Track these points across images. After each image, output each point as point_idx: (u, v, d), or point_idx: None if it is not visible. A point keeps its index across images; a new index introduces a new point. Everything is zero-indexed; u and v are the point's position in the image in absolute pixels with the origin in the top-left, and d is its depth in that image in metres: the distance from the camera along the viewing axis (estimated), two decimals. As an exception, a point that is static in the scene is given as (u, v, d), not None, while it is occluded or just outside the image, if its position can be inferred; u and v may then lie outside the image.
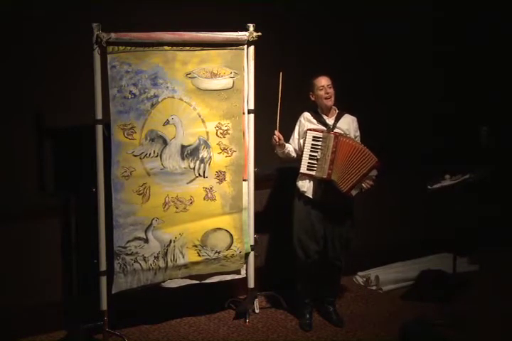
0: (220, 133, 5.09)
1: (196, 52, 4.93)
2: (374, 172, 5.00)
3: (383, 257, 6.20)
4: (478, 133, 6.68)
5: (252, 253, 5.35)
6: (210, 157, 5.07)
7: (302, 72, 5.33)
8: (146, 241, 4.93)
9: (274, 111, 4.96)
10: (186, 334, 5.15)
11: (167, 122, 4.90)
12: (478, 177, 5.21)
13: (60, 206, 5.05)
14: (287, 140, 5.14)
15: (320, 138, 5.02)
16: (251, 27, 5.04)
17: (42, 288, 5.02)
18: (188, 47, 4.90)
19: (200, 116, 5.01)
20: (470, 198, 5.66)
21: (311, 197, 5.08)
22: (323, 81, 5.05)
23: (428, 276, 6.00)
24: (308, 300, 5.30)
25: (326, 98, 5.06)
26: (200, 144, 5.04)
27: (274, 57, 5.43)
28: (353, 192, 5.01)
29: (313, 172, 5.03)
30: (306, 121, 5.13)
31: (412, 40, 6.27)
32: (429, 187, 5.15)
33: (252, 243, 5.34)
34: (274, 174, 5.74)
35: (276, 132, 4.99)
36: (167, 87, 4.86)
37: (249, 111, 5.18)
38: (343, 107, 5.18)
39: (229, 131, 5.11)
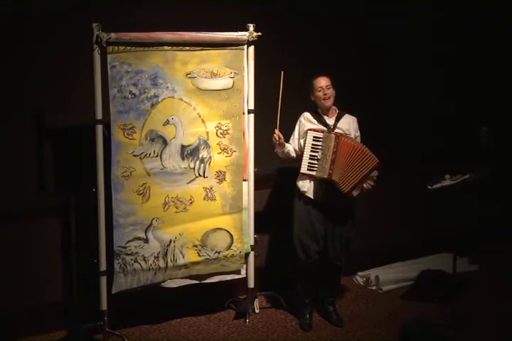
0: (220, 133, 5.09)
1: (196, 52, 4.93)
2: (375, 173, 5.00)
3: (383, 257, 6.20)
4: (478, 133, 6.68)
5: (252, 253, 5.35)
6: (210, 157, 5.07)
7: (302, 72, 5.32)
8: (146, 241, 4.93)
9: (274, 111, 4.96)
10: (186, 334, 5.15)
11: (167, 122, 4.90)
12: (478, 177, 5.21)
13: (60, 206, 5.05)
14: (287, 140, 5.14)
15: (320, 138, 5.02)
16: (251, 27, 5.04)
17: (42, 288, 5.02)
18: (188, 47, 4.90)
19: (200, 116, 5.01)
20: (470, 198, 5.66)
21: (311, 197, 5.07)
22: (322, 82, 5.05)
23: (428, 276, 6.00)
24: (308, 300, 5.30)
25: (324, 99, 5.06)
26: (200, 144, 5.04)
27: (274, 57, 5.43)
28: (354, 193, 5.01)
29: (314, 173, 5.03)
30: (307, 121, 5.13)
31: (412, 40, 6.27)
32: (429, 187, 5.15)
33: (252, 243, 5.34)
34: (274, 174, 5.74)
35: (277, 131, 4.99)
36: (167, 87, 4.87)
37: (249, 111, 5.18)
38: (343, 107, 5.18)
39: (229, 131, 5.11)
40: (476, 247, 6.31)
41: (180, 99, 4.93)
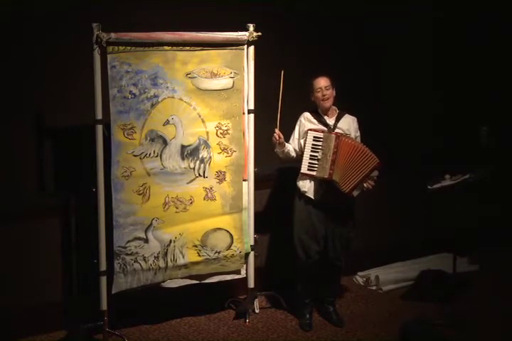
0: (220, 133, 5.09)
1: (196, 52, 4.93)
2: (375, 173, 5.00)
3: (383, 257, 6.20)
4: (478, 133, 6.68)
5: (252, 253, 5.35)
6: (210, 157, 5.07)
7: (302, 72, 5.32)
8: (146, 241, 4.93)
9: (274, 111, 4.96)
10: (186, 334, 5.15)
11: (167, 122, 4.90)
12: (478, 177, 5.21)
13: (60, 206, 5.05)
14: (287, 140, 5.14)
15: (321, 138, 5.02)
16: (251, 27, 5.04)
17: (42, 288, 5.02)
18: (188, 47, 4.90)
19: (200, 116, 5.01)
20: (470, 198, 5.66)
21: (311, 197, 5.07)
22: (321, 83, 5.04)
23: (428, 276, 6.00)
24: (309, 300, 5.30)
25: (323, 100, 5.06)
26: (200, 144, 5.04)
27: (274, 57, 5.43)
28: (355, 193, 5.01)
29: (314, 173, 5.03)
30: (307, 121, 5.13)
31: (412, 40, 6.27)
32: (429, 187, 5.15)
33: (252, 243, 5.34)
34: (274, 174, 5.74)
35: (277, 130, 4.99)
36: (167, 87, 4.86)
37: (249, 111, 5.18)
38: (343, 107, 5.18)
39: (229, 131, 5.11)
40: (476, 247, 6.31)
41: (180, 99, 4.93)
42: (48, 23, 4.83)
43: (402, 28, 6.15)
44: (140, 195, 4.87)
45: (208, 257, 5.14)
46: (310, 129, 5.06)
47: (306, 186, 5.08)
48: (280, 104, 4.93)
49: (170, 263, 5.02)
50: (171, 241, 5.01)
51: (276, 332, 5.21)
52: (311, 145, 5.03)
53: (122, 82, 4.72)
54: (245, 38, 5.03)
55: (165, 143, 4.91)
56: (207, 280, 5.24)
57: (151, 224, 4.93)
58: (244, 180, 5.22)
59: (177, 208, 4.99)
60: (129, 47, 4.70)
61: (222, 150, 5.10)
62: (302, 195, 5.10)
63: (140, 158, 4.84)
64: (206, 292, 5.38)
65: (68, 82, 4.92)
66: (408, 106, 6.29)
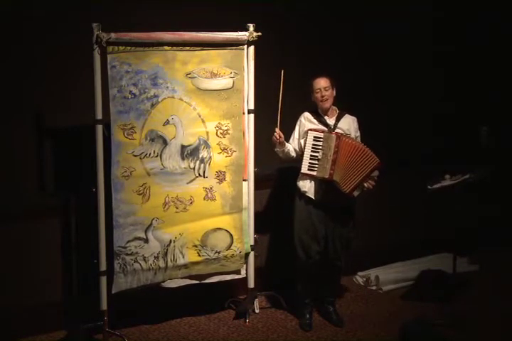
0: (220, 133, 5.09)
1: (196, 52, 4.93)
2: (376, 173, 5.00)
3: (383, 257, 6.20)
4: (478, 133, 6.68)
5: (252, 253, 5.35)
6: (210, 157, 5.07)
7: (302, 72, 5.32)
8: (146, 241, 4.93)
9: (274, 111, 4.96)
10: (186, 334, 5.15)
11: (167, 122, 4.90)
12: (478, 177, 5.21)
13: (60, 206, 5.05)
14: (287, 139, 5.14)
15: (321, 138, 5.02)
16: (251, 27, 5.04)
17: (42, 288, 5.02)
18: (188, 47, 4.90)
19: (200, 116, 5.01)
20: (470, 198, 5.66)
21: (312, 197, 5.07)
22: (320, 83, 5.04)
23: (428, 276, 6.00)
24: (309, 300, 5.30)
25: (321, 101, 5.06)
26: (200, 144, 5.04)
27: (274, 57, 5.43)
28: (355, 193, 5.01)
29: (315, 173, 5.02)
30: (307, 121, 5.13)
31: (412, 40, 6.27)
32: (429, 187, 5.15)
33: (252, 243, 5.34)
34: (274, 174, 5.74)
35: (277, 130, 4.99)
36: (167, 87, 4.86)
37: (249, 111, 5.18)
38: (344, 107, 5.18)
39: (229, 131, 5.11)
40: (476, 247, 6.31)
41: (180, 99, 4.93)
42: (48, 23, 4.83)
43: (402, 28, 6.14)
44: (140, 195, 4.87)
45: (208, 257, 5.14)
46: (310, 129, 5.06)
47: (307, 186, 5.08)
48: (280, 103, 4.93)
49: (170, 263, 5.02)
50: (171, 241, 5.01)
51: (276, 332, 5.21)
52: (311, 146, 5.03)
53: (122, 82, 4.72)
54: (245, 38, 5.03)
55: (165, 143, 4.91)
56: (207, 280, 5.24)
57: (151, 224, 4.93)
58: (244, 180, 5.22)
59: (177, 208, 4.99)
60: (129, 47, 4.70)
61: (222, 150, 5.10)
62: (302, 195, 5.10)
63: (140, 158, 4.84)
64: (206, 292, 5.38)
65: (68, 82, 4.92)
66: (408, 106, 6.29)
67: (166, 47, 4.83)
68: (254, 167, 5.25)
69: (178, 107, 4.92)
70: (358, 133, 5.20)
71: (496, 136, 6.67)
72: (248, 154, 5.21)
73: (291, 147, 5.15)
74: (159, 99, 4.85)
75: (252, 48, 5.09)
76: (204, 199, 5.07)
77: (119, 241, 4.84)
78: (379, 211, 6.13)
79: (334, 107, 5.16)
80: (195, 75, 4.95)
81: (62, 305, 5.10)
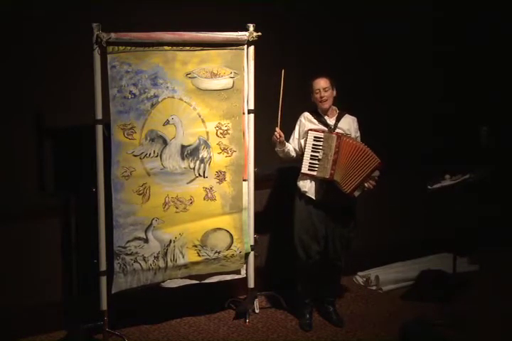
0: (220, 133, 5.09)
1: (196, 52, 4.93)
2: (376, 173, 5.00)
3: (383, 257, 6.20)
4: (478, 133, 6.68)
5: (252, 253, 5.35)
6: (210, 157, 5.07)
7: (302, 72, 5.32)
8: (146, 241, 4.93)
9: (274, 111, 4.96)
10: (186, 334, 5.15)
11: (167, 122, 4.90)
12: (478, 177, 5.21)
13: (60, 206, 5.05)
14: (287, 139, 5.13)
15: (321, 138, 5.02)
16: (251, 27, 5.04)
17: (42, 288, 5.02)
18: (188, 47, 4.90)
19: (200, 116, 5.01)
20: (470, 198, 5.66)
21: (312, 197, 5.07)
22: (319, 84, 5.03)
23: (428, 276, 6.00)
24: (309, 300, 5.30)
25: (320, 101, 5.06)
26: (200, 144, 5.04)
27: (274, 57, 5.43)
28: (356, 193, 5.01)
29: (315, 173, 5.02)
30: (307, 121, 5.13)
31: (412, 40, 6.27)
32: (429, 187, 5.15)
33: (252, 243, 5.34)
34: (274, 174, 5.74)
35: (277, 129, 4.98)
36: (167, 87, 4.86)
37: (249, 111, 5.18)
38: (343, 107, 5.18)
39: (229, 131, 5.11)
40: (476, 247, 6.31)
41: (180, 99, 4.93)
42: (48, 23, 4.83)
43: (402, 28, 6.14)
44: (140, 195, 4.87)
45: (208, 257, 5.14)
46: (310, 129, 5.06)
47: (307, 186, 5.08)
48: (281, 103, 4.93)
49: (170, 263, 5.02)
50: (170, 241, 5.01)
51: (276, 332, 5.21)
52: (311, 146, 5.03)
53: (122, 82, 4.72)
54: (245, 38, 5.03)
55: (165, 143, 4.91)
56: (207, 280, 5.24)
57: (151, 224, 4.93)
58: (244, 180, 5.22)
59: (177, 208, 4.99)
60: (129, 47, 4.70)
61: (222, 150, 5.10)
62: (303, 195, 5.10)
63: (140, 158, 4.84)
64: (206, 292, 5.38)
65: (68, 82, 4.92)
66: (408, 106, 6.29)
67: (166, 47, 4.83)
68: (254, 167, 5.25)
69: (178, 107, 4.92)
70: (358, 133, 5.20)
71: (496, 136, 6.67)
72: (248, 154, 5.21)
73: (291, 147, 5.15)
74: (159, 99, 4.85)
75: (252, 48, 5.09)
76: (204, 199, 5.07)
77: (119, 241, 4.84)
78: (379, 211, 6.13)
79: (334, 107, 5.16)
80: (195, 75, 4.95)
81: (62, 305, 5.10)
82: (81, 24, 4.66)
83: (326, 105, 5.07)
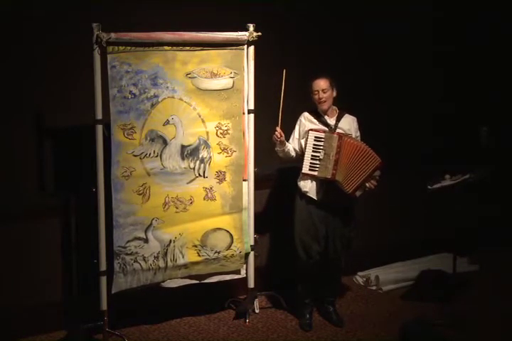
0: (220, 133, 5.09)
1: (196, 52, 4.93)
2: (377, 173, 5.01)
3: (383, 257, 6.20)
4: (478, 133, 6.68)
5: (252, 253, 5.35)
6: (210, 157, 5.07)
7: (302, 72, 5.32)
8: (146, 241, 4.93)
9: (274, 111, 4.96)
10: (186, 334, 5.15)
11: (167, 122, 4.90)
12: (478, 177, 5.21)
13: (60, 206, 5.05)
14: (287, 139, 5.13)
15: (322, 138, 5.01)
16: (251, 27, 5.04)
17: (42, 288, 5.02)
18: (188, 47, 4.90)
19: (200, 116, 5.01)
20: (470, 198, 5.66)
21: (313, 197, 5.07)
22: (318, 85, 5.03)
23: (428, 276, 6.00)
24: (309, 300, 5.30)
25: (319, 102, 5.06)
26: (200, 144, 5.04)
27: (274, 57, 5.43)
28: (357, 193, 5.01)
29: (316, 173, 5.02)
30: (307, 121, 5.12)
31: (412, 40, 6.27)
32: (429, 187, 5.15)
33: (252, 243, 5.34)
34: (274, 174, 5.74)
35: (278, 128, 4.98)
36: (167, 87, 4.86)
37: (249, 111, 5.18)
38: (343, 107, 5.18)
39: (229, 131, 5.11)
40: (476, 247, 6.31)
41: (180, 99, 4.93)
42: (48, 23, 4.83)
43: (402, 28, 6.15)
44: (140, 195, 4.87)
45: (208, 257, 5.14)
46: (311, 129, 5.06)
47: (308, 186, 5.08)
48: (282, 102, 4.93)
49: (170, 263, 5.02)
50: (170, 241, 5.01)
51: (276, 332, 5.21)
52: (312, 146, 5.03)
53: (122, 82, 4.72)
54: (245, 38, 5.03)
55: (165, 143, 4.91)
56: (207, 280, 5.24)
57: (151, 224, 4.93)
58: (244, 180, 5.22)
59: (177, 208, 4.99)
60: (129, 47, 4.70)
61: (222, 150, 5.10)
62: (303, 195, 5.10)
63: (140, 158, 4.84)
64: (206, 292, 5.38)
65: (68, 82, 4.92)
66: (408, 106, 6.29)
67: (166, 47, 4.83)
68: (254, 167, 5.25)
69: (178, 107, 4.92)
70: (358, 133, 5.20)
71: (496, 136, 6.67)
72: (248, 154, 5.21)
73: (291, 147, 5.15)
74: (159, 99, 4.85)
75: (252, 48, 5.09)
76: (204, 199, 5.07)
77: (119, 241, 4.84)
78: (379, 211, 6.13)
79: (334, 107, 5.16)
80: (195, 75, 4.95)
81: (62, 305, 5.10)
82: (81, 24, 4.66)
83: (324, 106, 5.07)
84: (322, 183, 5.04)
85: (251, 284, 5.37)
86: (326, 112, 5.12)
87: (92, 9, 4.87)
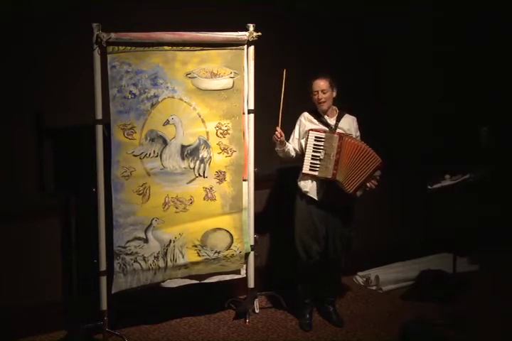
0: (220, 133, 5.09)
1: (196, 52, 4.93)
2: (378, 173, 5.01)
3: (383, 257, 6.20)
4: (478, 133, 6.68)
5: (252, 253, 5.35)
6: (210, 157, 5.07)
7: (302, 72, 5.32)
8: (146, 241, 4.93)
9: (274, 111, 4.96)
10: (186, 334, 5.15)
11: (167, 122, 4.90)
12: (478, 177, 5.21)
13: (60, 206, 5.05)
14: (287, 139, 5.13)
15: (322, 138, 5.01)
16: (251, 27, 5.04)
17: (42, 288, 5.02)
18: (188, 47, 4.90)
19: (200, 116, 5.01)
20: (470, 198, 5.66)
21: (313, 197, 5.07)
22: (318, 85, 5.02)
23: (428, 276, 6.00)
24: (309, 300, 5.30)
25: (319, 103, 5.06)
26: (200, 144, 5.04)
27: (274, 57, 5.43)
28: (358, 193, 5.01)
29: (316, 173, 5.02)
30: (307, 121, 5.12)
31: (412, 40, 6.27)
32: (429, 187, 5.15)
33: (252, 243, 5.34)
34: (274, 174, 5.74)
35: (278, 128, 4.98)
36: (167, 87, 4.86)
37: (249, 111, 5.18)
38: (343, 107, 5.18)
39: (229, 131, 5.11)
40: (476, 247, 6.31)
41: (180, 99, 4.93)
42: (48, 23, 4.83)
43: (402, 28, 6.15)
44: (140, 195, 4.87)
45: (208, 257, 5.14)
46: (311, 129, 5.06)
47: (308, 186, 5.08)
48: (282, 102, 4.93)
49: (170, 263, 5.02)
50: (170, 241, 5.01)
51: (276, 332, 5.21)
52: (312, 146, 5.03)
53: (122, 82, 4.72)
54: (245, 38, 5.03)
55: (165, 143, 4.91)
56: (206, 280, 5.24)
57: (150, 224, 4.93)
58: (244, 180, 5.22)
59: (177, 208, 4.99)
60: (129, 47, 4.70)
61: (222, 150, 5.10)
62: (304, 195, 5.10)
63: (140, 158, 4.84)
64: (206, 292, 5.38)
65: (68, 82, 4.92)
66: (408, 106, 6.29)
67: (166, 47, 4.83)
68: (254, 167, 5.25)
69: (178, 107, 4.92)
70: (358, 133, 5.20)
71: (496, 136, 6.67)
72: (248, 154, 5.21)
73: (291, 147, 5.15)
74: (159, 99, 4.85)
75: (252, 48, 5.09)
76: (204, 199, 5.07)
77: (119, 241, 4.84)
78: (379, 211, 6.13)
79: (334, 107, 5.16)
80: (195, 75, 4.95)
81: (62, 305, 5.10)
82: (81, 24, 4.66)
83: (324, 107, 5.07)
84: (322, 183, 5.04)
85: (251, 284, 5.37)
86: (325, 112, 5.12)
87: (92, 9, 4.87)
